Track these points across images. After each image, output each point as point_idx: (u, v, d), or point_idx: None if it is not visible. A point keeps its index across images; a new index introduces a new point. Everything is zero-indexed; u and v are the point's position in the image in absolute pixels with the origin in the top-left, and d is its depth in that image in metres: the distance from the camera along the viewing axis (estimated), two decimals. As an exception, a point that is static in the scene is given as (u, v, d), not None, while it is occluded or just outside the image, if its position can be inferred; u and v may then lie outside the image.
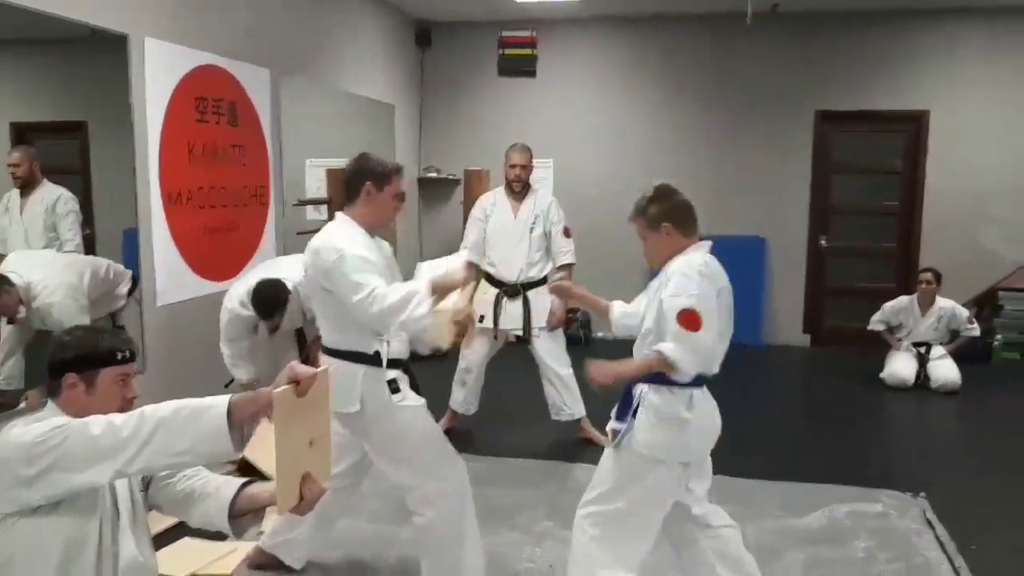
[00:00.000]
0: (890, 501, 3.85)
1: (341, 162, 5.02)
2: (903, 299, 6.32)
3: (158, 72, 3.93)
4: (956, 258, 6.98)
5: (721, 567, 2.54)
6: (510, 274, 4.58)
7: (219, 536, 3.31)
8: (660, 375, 2.42)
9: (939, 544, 3.43)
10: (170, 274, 4.05)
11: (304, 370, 1.87)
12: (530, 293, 4.57)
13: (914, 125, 7.29)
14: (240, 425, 1.82)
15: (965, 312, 6.25)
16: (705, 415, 2.50)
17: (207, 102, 4.31)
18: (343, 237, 2.72)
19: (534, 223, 4.57)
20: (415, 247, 7.86)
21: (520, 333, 4.60)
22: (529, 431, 4.88)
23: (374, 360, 2.72)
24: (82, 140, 4.16)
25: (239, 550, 3.19)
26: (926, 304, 6.21)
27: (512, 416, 5.19)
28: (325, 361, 2.74)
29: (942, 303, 6.22)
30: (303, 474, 1.89)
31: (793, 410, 5.91)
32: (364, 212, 2.79)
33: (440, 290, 2.60)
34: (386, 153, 6.99)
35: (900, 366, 6.07)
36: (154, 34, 3.92)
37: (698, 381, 2.48)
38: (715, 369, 2.51)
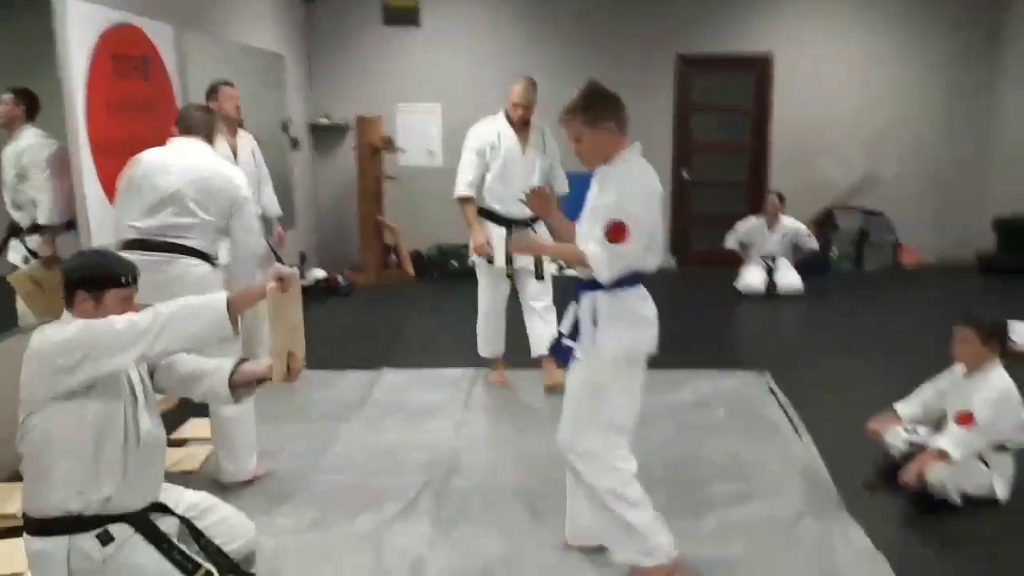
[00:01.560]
0: (743, 377, 4.70)
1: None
2: (752, 219, 7.25)
3: (78, 31, 4.17)
4: (799, 184, 7.92)
5: None
6: (523, 210, 4.11)
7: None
8: (625, 280, 2.53)
9: (780, 407, 4.27)
10: (103, 218, 4.35)
11: (287, 270, 2.39)
12: (538, 227, 4.45)
13: (760, 67, 8.17)
14: (236, 314, 2.33)
15: (805, 228, 7.24)
16: (654, 312, 2.67)
17: (123, 59, 4.57)
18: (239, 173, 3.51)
19: (539, 156, 4.45)
20: (311, 192, 8.19)
21: (533, 268, 4.45)
22: (446, 351, 5.42)
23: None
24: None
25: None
26: (772, 222, 7.14)
27: (428, 340, 5.78)
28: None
29: (786, 221, 7.17)
30: (289, 353, 2.42)
31: (663, 317, 6.72)
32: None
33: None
34: (278, 101, 7.31)
35: (751, 277, 7.01)
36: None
37: (640, 280, 2.59)
38: (651, 268, 2.61)
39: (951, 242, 8.22)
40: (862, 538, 2.91)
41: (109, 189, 4.44)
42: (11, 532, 2.93)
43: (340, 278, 7.57)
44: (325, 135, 8.29)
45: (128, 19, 4.64)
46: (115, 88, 4.52)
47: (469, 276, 7.78)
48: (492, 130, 4.47)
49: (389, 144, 7.91)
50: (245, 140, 4.71)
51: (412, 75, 8.14)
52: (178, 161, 3.38)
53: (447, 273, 8.02)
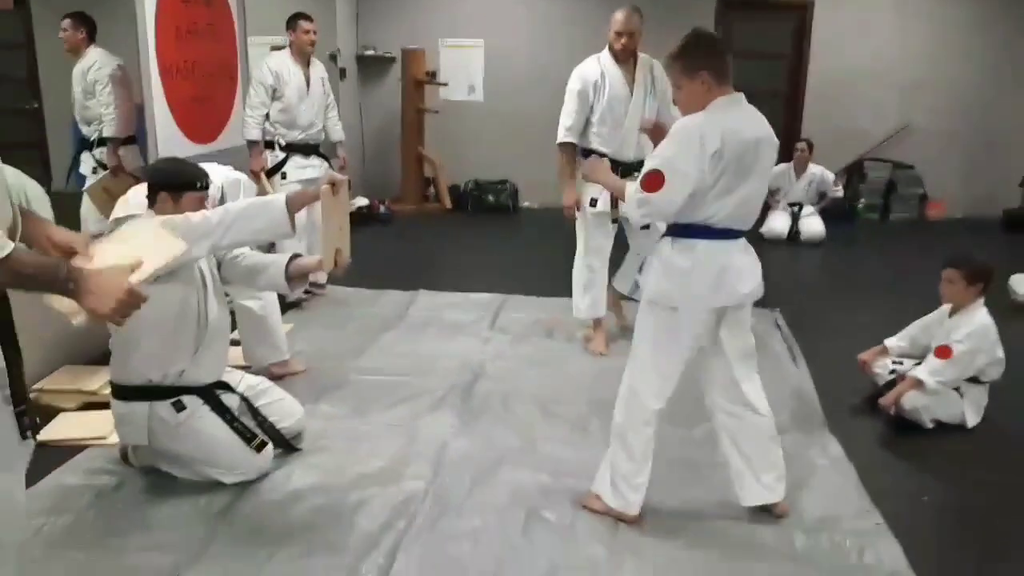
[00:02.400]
0: (752, 312, 4.97)
1: (281, 39, 5.66)
2: (781, 165, 7.42)
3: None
4: (832, 132, 8.07)
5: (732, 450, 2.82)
6: (628, 152, 4.10)
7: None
8: (676, 229, 2.58)
9: (783, 340, 4.59)
10: (167, 139, 4.74)
11: (339, 176, 2.76)
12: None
13: (800, 14, 8.26)
14: (293, 213, 2.70)
15: (831, 176, 7.43)
16: (711, 266, 2.54)
17: (188, -15, 4.92)
18: None
19: (648, 95, 4.14)
20: (356, 121, 8.52)
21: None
22: (477, 278, 5.81)
23: None
24: (24, 15, 4.66)
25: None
26: (800, 169, 7.35)
27: (462, 267, 6.15)
28: None
29: (813, 168, 7.37)
30: (336, 249, 2.80)
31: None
32: None
33: None
34: (326, 32, 7.57)
35: (776, 222, 7.24)
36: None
37: (709, 233, 2.52)
38: (712, 222, 2.50)
39: (978, 198, 8.34)
40: (837, 450, 3.26)
41: (173, 109, 4.84)
42: (92, 406, 3.42)
43: (381, 206, 7.94)
44: (371, 66, 8.57)
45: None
46: (182, 13, 4.86)
47: (503, 211, 8.21)
48: (595, 68, 4.14)
49: (432, 78, 8.18)
50: (317, 69, 5.18)
51: (459, 9, 8.36)
52: None
53: (482, 207, 8.38)
